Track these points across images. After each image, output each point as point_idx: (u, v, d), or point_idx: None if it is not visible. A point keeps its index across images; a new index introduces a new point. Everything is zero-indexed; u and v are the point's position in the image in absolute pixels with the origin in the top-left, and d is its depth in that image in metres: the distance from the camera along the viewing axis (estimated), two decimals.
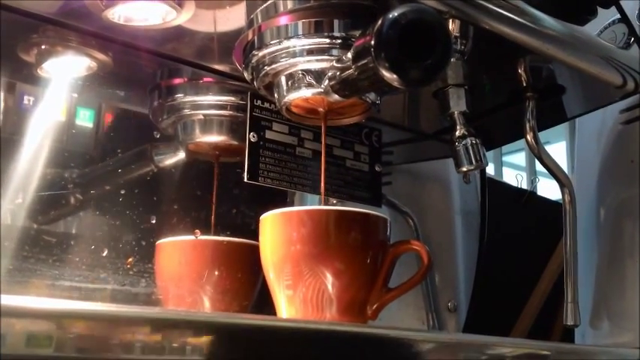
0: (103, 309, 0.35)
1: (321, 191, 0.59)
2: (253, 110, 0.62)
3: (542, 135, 0.65)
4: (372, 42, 0.43)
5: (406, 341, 0.46)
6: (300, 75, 0.53)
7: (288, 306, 0.53)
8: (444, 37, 0.44)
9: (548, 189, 1.15)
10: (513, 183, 1.18)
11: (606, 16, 0.64)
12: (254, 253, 0.56)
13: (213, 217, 0.66)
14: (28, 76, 0.60)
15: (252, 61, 0.54)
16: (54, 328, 0.32)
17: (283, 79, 0.54)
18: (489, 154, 0.63)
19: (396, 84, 0.44)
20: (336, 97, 0.52)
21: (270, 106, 0.62)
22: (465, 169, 0.60)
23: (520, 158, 2.84)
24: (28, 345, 0.31)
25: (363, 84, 0.47)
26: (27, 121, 0.65)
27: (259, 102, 0.62)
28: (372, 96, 0.54)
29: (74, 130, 0.68)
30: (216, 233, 0.65)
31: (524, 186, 1.15)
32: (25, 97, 0.65)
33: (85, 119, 0.69)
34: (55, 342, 0.32)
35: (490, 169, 2.17)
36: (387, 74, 0.43)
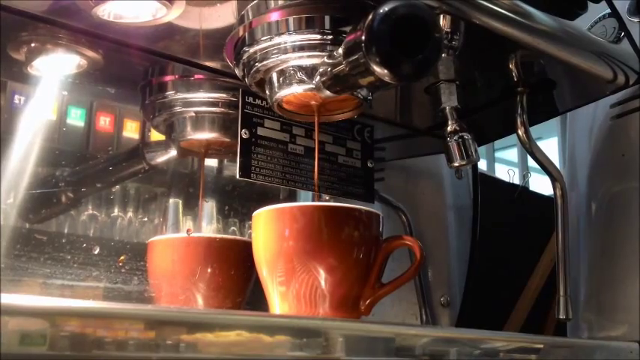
0: (97, 307, 0.35)
1: (314, 188, 0.59)
2: (245, 107, 0.61)
3: (534, 131, 0.65)
4: (363, 37, 0.43)
5: (400, 336, 0.46)
6: (292, 71, 0.53)
7: (282, 302, 0.53)
8: (435, 32, 0.44)
9: (540, 185, 1.15)
10: (505, 178, 1.18)
11: (596, 10, 0.64)
12: (247, 249, 0.56)
13: (200, 213, 0.66)
14: (18, 74, 0.60)
15: (244, 58, 0.54)
16: (48, 326, 0.32)
17: (275, 75, 0.54)
18: (481, 150, 0.63)
19: (387, 79, 0.44)
20: (327, 93, 0.52)
21: (261, 102, 0.62)
22: (457, 164, 0.60)
23: (512, 154, 2.84)
24: (22, 343, 0.31)
25: (355, 79, 0.47)
26: (18, 120, 0.64)
27: (251, 99, 0.62)
28: (363, 92, 0.54)
29: (65, 128, 0.68)
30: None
31: (517, 181, 1.16)
32: (16, 97, 0.65)
33: (77, 118, 0.69)
34: (48, 340, 0.32)
35: (482, 165, 2.18)
36: (378, 69, 0.43)
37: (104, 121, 0.71)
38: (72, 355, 0.33)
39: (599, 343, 0.63)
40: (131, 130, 0.73)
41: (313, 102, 0.55)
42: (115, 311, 0.35)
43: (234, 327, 0.39)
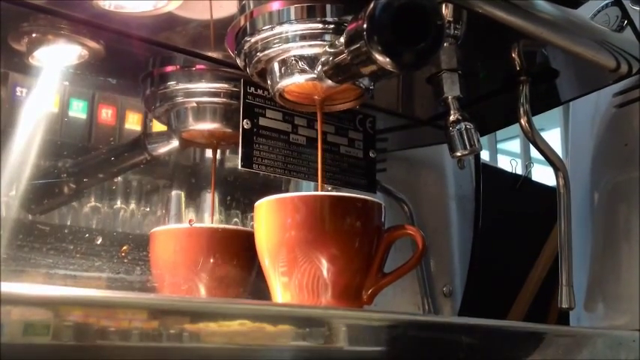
0: (101, 295, 0.35)
1: (317, 178, 0.59)
2: (247, 97, 0.61)
3: (537, 122, 0.65)
4: (365, 25, 0.43)
5: (402, 325, 0.46)
6: (293, 61, 0.53)
7: (284, 292, 0.53)
8: (437, 20, 0.44)
9: (543, 177, 1.15)
10: (508, 169, 1.18)
11: None
12: (249, 240, 0.56)
13: (212, 204, 0.66)
14: (19, 65, 0.60)
15: (245, 48, 0.54)
16: (51, 316, 0.32)
17: (276, 65, 0.54)
18: (484, 142, 0.63)
19: (389, 67, 0.44)
20: (329, 82, 0.52)
21: (263, 92, 0.62)
22: (459, 153, 0.60)
23: (515, 145, 2.84)
24: (26, 334, 0.31)
25: (357, 68, 0.47)
26: (20, 112, 0.64)
27: (252, 89, 0.62)
28: (365, 81, 0.54)
29: (67, 120, 0.68)
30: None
31: (519, 171, 1.16)
32: (18, 89, 0.65)
33: (79, 110, 0.69)
34: (52, 330, 0.32)
35: (485, 156, 2.18)
36: (380, 58, 0.43)
37: (106, 114, 0.71)
38: (75, 345, 0.33)
39: (601, 331, 0.63)
40: (133, 123, 0.72)
41: (316, 96, 0.55)
42: (118, 300, 0.35)
43: (237, 316, 0.39)
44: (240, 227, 0.62)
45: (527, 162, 1.19)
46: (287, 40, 0.52)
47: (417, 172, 0.86)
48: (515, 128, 0.69)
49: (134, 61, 0.62)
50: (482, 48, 0.62)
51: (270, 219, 0.53)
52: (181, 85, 0.63)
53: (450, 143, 0.60)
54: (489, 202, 0.84)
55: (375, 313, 0.48)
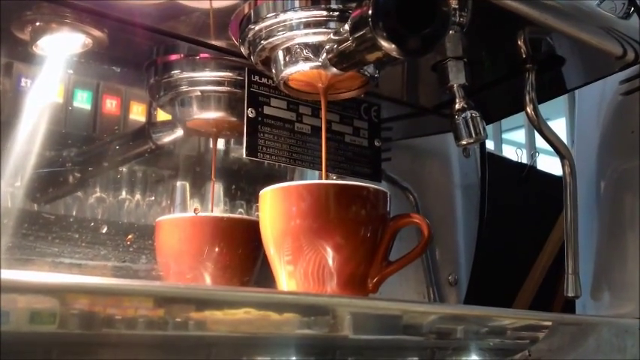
0: (107, 283, 0.35)
1: (321, 167, 0.58)
2: (251, 86, 0.61)
3: (542, 112, 0.65)
4: (370, 11, 0.43)
5: (407, 313, 0.46)
6: (298, 49, 0.52)
7: (289, 281, 0.53)
8: (442, 5, 0.44)
9: (547, 166, 1.15)
10: (513, 158, 1.18)
11: None
12: (254, 228, 0.56)
13: (212, 193, 0.66)
14: (23, 55, 0.60)
15: (249, 36, 0.54)
16: (57, 304, 0.32)
17: (280, 53, 0.53)
18: (489, 131, 0.63)
19: (394, 54, 0.43)
20: (334, 70, 0.51)
21: (268, 81, 0.62)
22: (464, 142, 0.59)
23: (520, 135, 2.83)
24: (32, 322, 0.31)
25: (362, 55, 0.47)
26: (25, 102, 0.64)
27: (257, 77, 0.61)
28: (370, 69, 0.54)
29: (72, 111, 0.68)
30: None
31: (524, 160, 1.15)
32: (23, 80, 0.65)
33: (83, 101, 0.69)
34: (58, 318, 0.32)
35: (490, 146, 2.17)
36: (385, 44, 0.43)
37: (110, 104, 0.71)
38: (81, 334, 0.33)
39: (607, 319, 0.63)
40: (137, 113, 0.72)
41: (320, 84, 0.55)
42: (125, 288, 0.36)
43: (242, 304, 0.39)
44: (245, 216, 0.62)
45: (533, 151, 1.18)
46: (291, 28, 0.52)
47: (422, 161, 0.86)
48: (520, 118, 0.69)
49: (138, 49, 0.62)
50: (488, 35, 0.61)
51: (275, 207, 0.53)
52: (185, 74, 0.63)
53: (456, 132, 0.59)
54: (495, 191, 0.83)
55: (380, 302, 0.48)
